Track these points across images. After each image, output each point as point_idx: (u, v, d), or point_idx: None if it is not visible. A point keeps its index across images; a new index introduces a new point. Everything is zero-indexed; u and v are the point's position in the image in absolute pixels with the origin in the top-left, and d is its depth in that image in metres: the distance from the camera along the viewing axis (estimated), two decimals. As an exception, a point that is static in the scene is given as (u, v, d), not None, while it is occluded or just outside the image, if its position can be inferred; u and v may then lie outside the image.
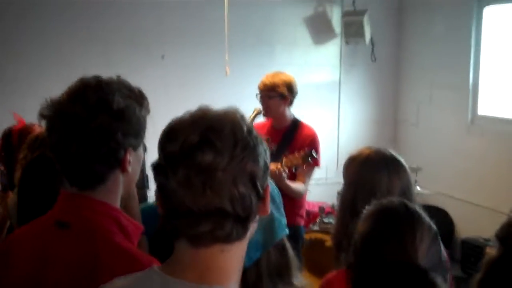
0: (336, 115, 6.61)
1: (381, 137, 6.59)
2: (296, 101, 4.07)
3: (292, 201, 3.85)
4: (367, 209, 1.67)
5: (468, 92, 5.80)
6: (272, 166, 3.67)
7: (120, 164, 1.52)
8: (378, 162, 2.18)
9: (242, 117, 1.19)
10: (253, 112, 4.06)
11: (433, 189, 5.50)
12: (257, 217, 1.20)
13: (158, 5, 5.70)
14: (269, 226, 1.32)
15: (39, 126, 2.90)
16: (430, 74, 6.28)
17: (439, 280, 1.48)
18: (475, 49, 5.74)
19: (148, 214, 1.22)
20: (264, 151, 1.19)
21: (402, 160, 2.24)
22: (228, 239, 1.14)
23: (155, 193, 1.18)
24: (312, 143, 3.96)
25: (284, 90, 3.94)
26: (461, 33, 5.82)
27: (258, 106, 4.07)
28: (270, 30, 6.22)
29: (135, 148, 1.55)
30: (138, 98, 1.57)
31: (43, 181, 2.08)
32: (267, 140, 3.99)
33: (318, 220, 4.86)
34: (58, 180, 2.00)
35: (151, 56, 5.72)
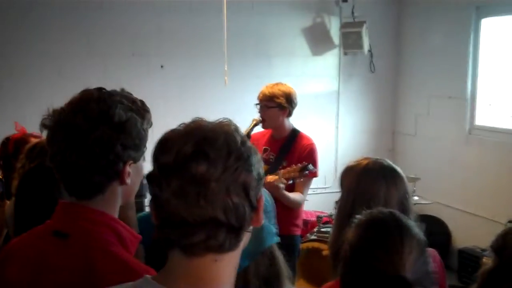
0: (334, 125, 6.63)
1: (380, 147, 6.60)
2: (294, 111, 4.08)
3: (288, 210, 3.86)
4: (358, 219, 1.68)
5: (466, 103, 5.82)
6: (270, 178, 3.69)
7: (119, 176, 1.52)
8: (377, 172, 2.18)
9: (236, 128, 1.21)
10: (252, 122, 4.07)
11: (430, 199, 5.50)
12: (251, 227, 1.21)
13: (157, 16, 5.72)
14: (257, 234, 1.33)
15: (35, 137, 2.92)
16: (428, 85, 6.30)
17: None
18: (473, 60, 5.76)
19: (145, 223, 1.23)
20: (258, 161, 1.20)
21: (400, 170, 2.24)
22: (221, 249, 1.15)
23: (149, 203, 1.19)
24: (310, 154, 3.97)
25: (282, 100, 3.95)
26: (459, 44, 5.84)
27: (257, 116, 4.08)
28: (268, 40, 6.25)
29: (135, 161, 1.55)
30: (141, 111, 1.57)
31: (41, 190, 2.08)
32: (266, 150, 4.03)
33: (315, 229, 4.86)
34: (56, 189, 2.01)
35: (151, 66, 5.74)
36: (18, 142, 3.00)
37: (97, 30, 5.57)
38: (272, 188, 3.59)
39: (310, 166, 3.69)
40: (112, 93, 1.56)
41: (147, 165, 1.27)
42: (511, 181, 5.21)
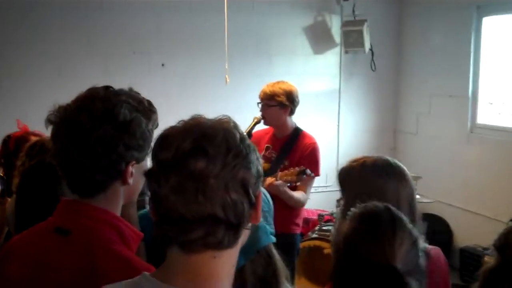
0: (336, 124, 6.62)
1: (381, 146, 6.60)
2: (296, 110, 4.08)
3: (288, 209, 3.86)
4: (353, 211, 1.68)
5: (467, 101, 5.81)
6: (268, 180, 3.68)
7: (122, 176, 1.52)
8: (387, 170, 2.17)
9: (235, 125, 1.21)
10: (253, 120, 4.06)
11: (432, 197, 5.50)
12: (249, 224, 1.21)
13: (157, 15, 5.72)
14: (253, 233, 1.33)
15: (36, 135, 2.92)
16: (430, 83, 6.30)
17: (414, 284, 1.49)
18: (474, 59, 5.76)
19: (146, 220, 1.23)
20: (257, 159, 1.20)
21: (405, 169, 2.23)
22: (220, 245, 1.15)
23: (148, 200, 1.19)
24: (312, 153, 3.97)
25: (283, 99, 3.94)
26: (461, 43, 5.84)
27: (258, 114, 4.08)
28: (269, 39, 6.24)
29: (138, 161, 1.55)
30: (147, 111, 1.56)
31: (42, 188, 2.08)
32: (268, 148, 4.02)
33: (317, 227, 4.86)
34: (57, 187, 2.01)
35: (151, 65, 5.74)
36: (18, 140, 3.01)
37: (97, 29, 5.57)
38: (273, 188, 3.59)
39: (308, 171, 3.68)
40: (119, 92, 1.56)
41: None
42: (513, 180, 5.20)
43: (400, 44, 6.76)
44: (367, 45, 6.28)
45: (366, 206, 1.71)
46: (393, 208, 1.66)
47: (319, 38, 6.45)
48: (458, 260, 5.51)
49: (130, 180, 1.53)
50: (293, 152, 3.99)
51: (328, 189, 6.21)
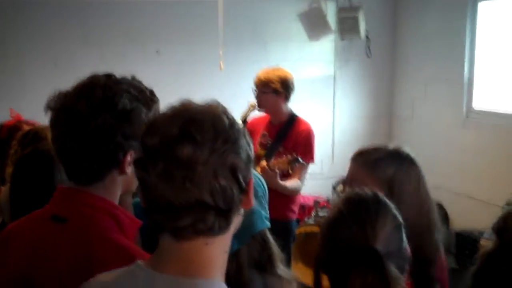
0: (331, 110, 6.61)
1: (376, 132, 6.60)
2: (292, 96, 4.07)
3: (284, 196, 3.86)
4: (340, 196, 1.69)
5: (463, 86, 5.80)
6: (262, 164, 3.68)
7: (119, 165, 1.51)
8: (410, 161, 2.18)
9: (224, 110, 1.19)
10: (248, 107, 4.06)
11: (428, 182, 5.48)
12: (242, 210, 1.20)
13: (152, 1, 5.68)
14: (247, 218, 1.32)
15: (29, 124, 2.91)
16: (425, 69, 6.28)
17: (393, 267, 1.49)
18: (469, 44, 5.73)
19: (140, 208, 1.23)
20: (247, 143, 1.19)
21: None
22: (211, 232, 1.14)
23: (137, 188, 1.18)
24: (306, 138, 3.97)
25: (278, 85, 3.93)
26: (456, 28, 5.82)
27: (253, 101, 4.07)
28: (264, 25, 6.21)
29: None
30: (148, 101, 1.55)
31: (36, 176, 2.08)
32: (264, 135, 4.02)
33: (313, 213, 4.87)
34: (51, 175, 2.01)
35: (146, 52, 5.70)
36: (11, 128, 2.99)
37: (92, 17, 5.53)
38: (267, 178, 3.59)
39: (300, 159, 3.68)
40: (120, 81, 1.54)
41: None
42: (509, 164, 5.20)
43: (395, 30, 6.74)
44: (362, 32, 6.25)
45: (354, 190, 1.73)
46: (380, 194, 1.67)
47: (314, 25, 6.40)
48: (454, 244, 5.53)
49: (128, 170, 1.51)
50: (288, 138, 3.99)
51: (324, 175, 6.22)
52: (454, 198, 5.78)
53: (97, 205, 1.51)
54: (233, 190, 1.13)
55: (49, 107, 1.51)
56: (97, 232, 1.46)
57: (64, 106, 1.49)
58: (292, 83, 4.00)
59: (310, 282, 1.66)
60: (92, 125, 1.44)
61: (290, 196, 3.97)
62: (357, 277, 1.47)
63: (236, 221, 1.21)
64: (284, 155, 3.76)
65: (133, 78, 1.58)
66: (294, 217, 4.11)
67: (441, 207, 5.91)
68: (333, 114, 6.61)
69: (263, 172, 3.59)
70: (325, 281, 1.63)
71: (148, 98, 1.55)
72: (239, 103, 3.98)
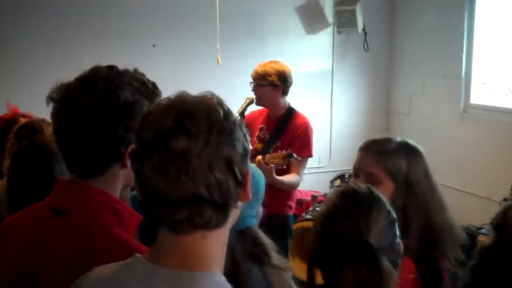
0: (328, 104, 6.60)
1: (374, 127, 6.59)
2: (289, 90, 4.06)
3: (280, 191, 3.85)
4: (335, 189, 1.69)
5: (460, 81, 5.80)
6: (258, 158, 3.67)
7: (120, 159, 1.49)
8: (418, 153, 2.18)
9: (219, 101, 1.18)
10: (245, 101, 4.05)
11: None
12: (239, 203, 1.19)
13: (149, -6, 5.66)
14: None
15: (25, 117, 2.90)
16: (423, 63, 6.28)
17: (385, 261, 1.49)
18: (467, 39, 5.73)
19: (137, 202, 1.22)
20: (243, 135, 1.17)
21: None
22: (208, 226, 1.14)
23: (134, 182, 1.17)
24: (303, 132, 3.96)
25: (275, 79, 3.91)
26: (454, 22, 5.81)
27: (251, 95, 4.05)
28: (262, 19, 6.18)
29: None
30: (150, 94, 1.53)
31: (33, 169, 2.07)
32: (262, 129, 4.01)
33: (310, 208, 4.87)
34: (48, 168, 2.00)
35: (143, 46, 5.67)
36: (7, 122, 2.99)
37: (89, 11, 5.49)
38: (263, 172, 3.58)
39: (294, 155, 3.67)
40: (122, 73, 1.52)
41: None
42: (507, 159, 5.21)
43: (393, 24, 6.73)
44: (360, 25, 6.24)
45: (348, 185, 1.74)
46: (374, 189, 1.67)
47: (311, 18, 6.40)
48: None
49: (130, 163, 1.50)
50: (286, 132, 3.98)
51: (322, 170, 6.23)
52: (451, 194, 5.78)
53: (97, 198, 1.50)
54: (229, 183, 1.12)
55: (51, 98, 1.50)
56: (97, 226, 1.45)
57: (66, 97, 1.48)
58: (290, 77, 3.99)
59: (306, 277, 1.66)
60: (93, 118, 1.43)
61: (286, 191, 3.96)
62: (350, 270, 1.47)
63: (234, 215, 1.20)
64: (279, 151, 3.75)
65: (135, 70, 1.57)
66: (291, 212, 4.11)
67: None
68: (330, 108, 6.60)
69: (258, 166, 3.59)
70: (319, 277, 1.63)
71: (150, 90, 1.54)
72: (237, 97, 3.96)
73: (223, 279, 1.19)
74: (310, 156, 4.02)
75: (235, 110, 3.78)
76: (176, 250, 1.15)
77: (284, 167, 3.78)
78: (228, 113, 1.16)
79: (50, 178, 1.92)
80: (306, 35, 6.39)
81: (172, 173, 1.08)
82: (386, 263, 1.49)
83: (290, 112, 4.06)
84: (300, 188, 4.25)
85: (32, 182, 2.02)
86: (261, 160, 3.66)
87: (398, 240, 1.60)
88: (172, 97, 1.18)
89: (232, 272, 1.55)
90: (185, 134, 1.09)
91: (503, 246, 1.81)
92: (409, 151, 2.16)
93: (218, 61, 4.96)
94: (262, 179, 2.18)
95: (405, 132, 6.47)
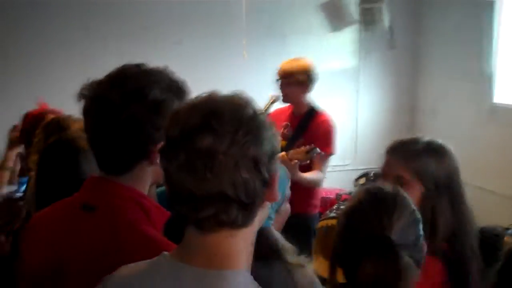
0: (354, 102, 6.56)
1: (399, 125, 6.54)
2: (314, 89, 4.05)
3: (304, 190, 3.84)
4: (360, 188, 1.70)
5: (486, 81, 5.73)
6: (280, 155, 3.67)
7: (149, 156, 1.51)
8: (448, 154, 2.16)
9: (248, 101, 1.18)
10: (270, 99, 4.05)
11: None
12: (267, 203, 1.19)
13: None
14: None
15: (54, 113, 2.94)
16: (448, 62, 6.22)
17: (406, 257, 1.49)
18: (494, 37, 5.66)
19: (164, 198, 1.23)
20: (272, 136, 1.17)
21: None
22: (234, 224, 1.14)
23: (163, 179, 1.18)
24: (326, 130, 3.96)
25: (303, 77, 3.93)
26: (480, 21, 5.74)
27: (275, 92, 4.06)
28: (286, 17, 6.16)
29: None
30: (179, 92, 1.54)
31: (60, 166, 2.09)
32: (287, 126, 4.00)
33: (335, 206, 4.85)
34: (75, 165, 2.02)
35: (169, 41, 5.69)
36: (36, 117, 3.03)
37: (114, 6, 5.53)
38: (288, 168, 3.58)
39: (317, 149, 3.67)
40: (152, 72, 1.54)
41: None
42: (532, 160, 5.15)
43: (419, 21, 6.66)
44: (386, 23, 6.18)
45: (375, 183, 1.76)
46: (400, 188, 1.67)
47: (335, 16, 6.34)
48: (478, 241, 5.47)
49: (158, 161, 1.51)
50: (309, 130, 3.98)
51: (346, 168, 6.20)
52: (477, 194, 5.71)
53: (126, 195, 1.51)
54: (256, 183, 1.12)
55: (82, 95, 1.52)
56: (125, 222, 1.47)
57: (97, 95, 1.49)
58: (315, 73, 3.99)
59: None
60: (123, 115, 1.45)
61: (311, 190, 3.96)
62: (369, 264, 1.47)
63: (262, 214, 1.20)
64: (302, 146, 3.75)
65: (165, 68, 1.58)
66: (315, 211, 4.09)
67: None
68: (356, 107, 6.56)
69: (282, 162, 3.58)
70: (340, 276, 1.63)
71: (179, 89, 1.55)
72: (261, 93, 3.96)
73: (249, 277, 1.19)
74: (333, 153, 4.01)
75: (260, 107, 3.77)
76: (203, 249, 1.16)
77: (308, 161, 3.77)
78: (256, 113, 1.16)
79: (77, 174, 1.94)
80: (331, 32, 6.35)
81: (199, 171, 1.09)
82: (407, 259, 1.49)
83: (313, 110, 4.06)
84: (324, 186, 4.24)
85: (59, 179, 2.04)
86: (285, 156, 3.66)
87: (422, 240, 1.59)
88: (201, 96, 1.19)
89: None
90: (210, 133, 1.09)
91: (531, 248, 1.78)
92: (437, 151, 2.14)
93: (244, 56, 4.96)
94: (286, 179, 2.18)
95: (429, 131, 6.38)
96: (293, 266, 1.84)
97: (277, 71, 4.01)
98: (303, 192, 3.81)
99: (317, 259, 4.01)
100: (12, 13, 5.24)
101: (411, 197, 1.67)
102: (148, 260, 1.23)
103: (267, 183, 1.15)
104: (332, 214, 4.61)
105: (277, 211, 2.31)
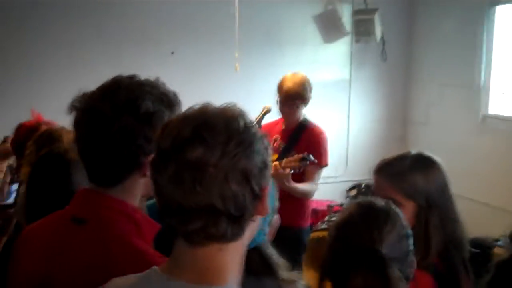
0: (345, 114, 6.59)
1: (391, 136, 6.57)
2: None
3: (295, 201, 3.84)
4: (352, 201, 1.71)
5: (479, 91, 5.76)
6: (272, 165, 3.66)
7: (140, 168, 1.50)
8: (436, 167, 2.16)
9: (241, 113, 1.17)
10: (262, 110, 4.04)
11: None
12: (257, 217, 1.18)
13: (167, 2, 5.68)
14: None
15: (48, 124, 2.93)
16: (441, 73, 6.25)
17: (395, 270, 1.49)
18: (486, 48, 5.70)
19: (154, 211, 1.22)
20: (264, 149, 1.16)
21: None
22: (224, 238, 1.13)
23: (153, 191, 1.17)
24: (318, 142, 3.96)
25: (307, 95, 3.95)
26: (472, 32, 5.78)
27: (267, 103, 4.05)
28: (279, 28, 6.20)
29: None
30: (171, 104, 1.53)
31: (50, 179, 2.08)
32: (277, 139, 4.00)
33: (326, 218, 4.85)
34: (66, 177, 2.01)
35: (161, 53, 5.71)
36: (29, 129, 3.02)
37: (107, 18, 5.55)
38: (279, 178, 3.57)
39: (311, 157, 3.66)
40: (143, 83, 1.53)
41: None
42: (525, 171, 5.16)
43: (411, 33, 6.70)
44: (378, 34, 6.23)
45: (367, 198, 1.75)
46: (392, 203, 1.68)
47: (329, 27, 6.38)
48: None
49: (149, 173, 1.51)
50: (301, 142, 3.97)
51: (338, 179, 6.20)
52: (468, 204, 5.73)
53: (116, 207, 1.50)
54: (245, 196, 1.11)
55: (73, 106, 1.51)
56: (116, 235, 1.46)
57: (88, 106, 1.49)
58: (311, 88, 4.02)
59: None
60: (115, 127, 1.44)
61: (302, 203, 3.95)
62: (358, 276, 1.48)
63: (251, 228, 1.19)
64: (295, 155, 3.75)
65: (157, 80, 1.57)
66: (305, 224, 4.07)
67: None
68: (347, 117, 6.59)
69: (275, 172, 3.58)
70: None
71: (171, 100, 1.54)
72: (254, 104, 3.96)
73: None
74: (326, 165, 4.01)
75: (253, 119, 3.77)
76: (192, 263, 1.15)
77: (301, 170, 3.76)
78: (249, 125, 1.15)
79: (68, 187, 1.93)
80: (324, 43, 6.38)
81: (187, 183, 1.08)
82: (396, 273, 1.49)
83: (305, 122, 4.06)
84: (316, 197, 4.23)
85: (50, 191, 2.03)
86: (278, 165, 3.65)
87: (412, 255, 1.60)
88: (194, 108, 1.18)
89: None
90: (202, 144, 1.08)
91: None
92: (424, 165, 2.14)
93: (236, 68, 4.97)
94: (274, 190, 2.18)
95: (422, 142, 6.44)
96: (285, 282, 1.83)
97: (278, 89, 3.99)
98: (294, 205, 3.82)
99: (307, 271, 4.00)
100: (3, 26, 5.25)
101: (405, 215, 1.68)
102: (138, 274, 1.22)
103: (257, 196, 1.14)
104: (324, 226, 4.61)
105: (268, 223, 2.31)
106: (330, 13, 6.35)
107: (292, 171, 3.71)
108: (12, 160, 3.25)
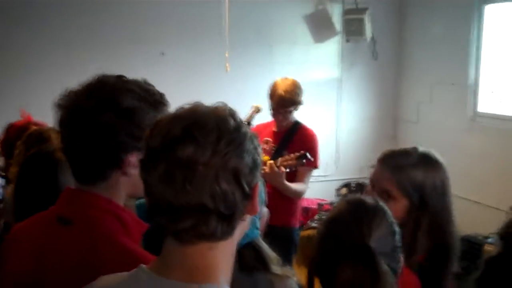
0: (336, 112, 6.60)
1: (381, 135, 6.58)
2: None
3: (286, 201, 3.86)
4: (342, 199, 1.72)
5: (468, 90, 5.79)
6: (268, 164, 3.67)
7: (121, 166, 1.49)
8: (438, 166, 2.17)
9: (231, 113, 1.17)
10: (252, 109, 4.04)
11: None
12: (247, 216, 1.18)
13: (158, 2, 5.68)
14: None
15: (37, 125, 2.92)
16: (431, 72, 6.27)
17: (384, 265, 1.50)
18: (476, 47, 5.73)
19: (143, 210, 1.22)
20: (254, 148, 1.16)
21: None
22: (213, 237, 1.13)
23: (143, 190, 1.17)
24: (310, 144, 3.96)
25: (299, 100, 3.96)
26: (462, 31, 5.81)
27: (257, 103, 4.05)
28: (270, 28, 6.20)
29: None
30: (156, 103, 1.53)
31: (39, 178, 2.08)
32: (267, 142, 4.00)
33: (316, 216, 4.87)
34: (54, 177, 2.01)
35: (151, 53, 5.70)
36: (19, 129, 3.01)
37: (97, 18, 5.53)
38: (274, 177, 3.59)
39: (308, 155, 3.67)
40: (129, 81, 1.53)
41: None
42: (514, 169, 5.19)
43: (401, 32, 6.73)
44: (368, 34, 6.24)
45: (356, 195, 1.78)
46: (380, 201, 1.68)
47: (320, 27, 6.40)
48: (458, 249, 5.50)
49: (133, 171, 1.48)
50: (292, 144, 3.98)
51: (327, 178, 6.21)
52: (458, 202, 5.74)
53: (102, 206, 1.50)
54: (235, 194, 1.11)
55: (58, 105, 1.51)
56: (102, 234, 1.45)
57: (71, 104, 1.49)
58: (302, 91, 4.04)
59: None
60: (95, 122, 1.44)
61: (291, 202, 3.96)
62: (346, 269, 1.48)
63: (241, 227, 1.19)
64: (291, 153, 3.75)
65: (145, 81, 1.57)
66: (296, 224, 4.09)
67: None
68: (337, 116, 6.60)
69: (271, 170, 3.58)
70: (318, 285, 1.64)
71: (156, 100, 1.54)
72: (244, 104, 3.96)
73: None
74: (316, 167, 4.01)
75: (243, 118, 3.77)
76: (182, 261, 1.14)
77: (294, 169, 3.76)
78: (239, 125, 1.15)
79: (55, 187, 1.93)
80: (314, 43, 6.39)
81: (178, 182, 1.08)
82: (385, 267, 1.50)
83: (297, 125, 4.07)
84: (306, 196, 4.24)
85: (38, 190, 2.02)
86: (273, 164, 3.65)
87: (399, 251, 1.61)
88: (184, 107, 1.18)
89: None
90: (192, 143, 1.08)
91: (510, 257, 1.80)
92: (427, 164, 2.14)
93: (226, 69, 4.97)
94: (262, 185, 2.19)
95: (412, 140, 6.44)
96: (277, 277, 1.84)
97: (270, 96, 3.99)
98: (285, 204, 3.83)
99: (298, 269, 4.02)
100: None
101: (395, 209, 1.68)
102: (126, 273, 1.22)
103: (248, 195, 1.14)
104: (314, 224, 4.64)
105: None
106: (321, 12, 6.37)
107: (288, 170, 3.71)
108: (0, 161, 3.23)
